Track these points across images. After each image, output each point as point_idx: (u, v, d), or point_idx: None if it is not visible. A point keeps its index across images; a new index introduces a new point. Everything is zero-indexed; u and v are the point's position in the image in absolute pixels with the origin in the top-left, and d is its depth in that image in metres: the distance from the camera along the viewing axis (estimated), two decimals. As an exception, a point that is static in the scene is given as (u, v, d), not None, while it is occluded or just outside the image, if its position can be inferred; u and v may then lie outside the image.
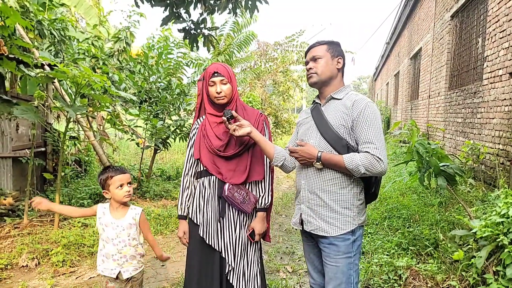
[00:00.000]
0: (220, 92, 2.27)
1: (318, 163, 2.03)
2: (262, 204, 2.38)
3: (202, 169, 2.39)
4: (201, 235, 2.32)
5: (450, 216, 4.38)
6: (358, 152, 1.99)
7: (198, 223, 2.35)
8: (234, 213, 2.34)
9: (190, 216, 2.40)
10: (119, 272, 2.37)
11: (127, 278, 2.41)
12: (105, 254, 2.38)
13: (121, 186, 2.36)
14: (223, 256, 2.31)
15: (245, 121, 2.19)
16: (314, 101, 2.29)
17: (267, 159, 2.38)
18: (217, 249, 2.30)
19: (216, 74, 2.27)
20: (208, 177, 2.36)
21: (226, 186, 2.27)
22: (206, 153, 2.34)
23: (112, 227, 2.36)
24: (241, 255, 2.35)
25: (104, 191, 2.40)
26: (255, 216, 2.40)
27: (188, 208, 2.43)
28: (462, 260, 3.11)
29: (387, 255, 3.86)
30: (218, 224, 2.32)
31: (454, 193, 3.85)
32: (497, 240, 2.73)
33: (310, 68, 2.15)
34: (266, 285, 2.60)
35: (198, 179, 2.41)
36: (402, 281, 3.28)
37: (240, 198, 2.27)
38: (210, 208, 2.33)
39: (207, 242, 2.31)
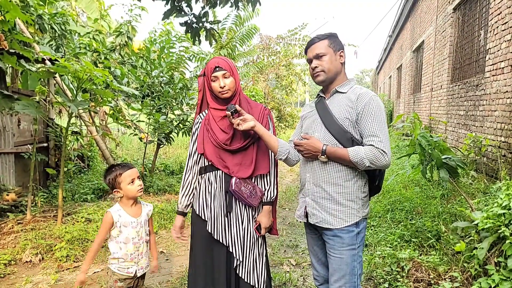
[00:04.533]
0: (224, 86, 2.24)
1: (323, 156, 2.03)
2: (268, 198, 2.38)
3: (206, 164, 2.36)
4: (209, 230, 2.30)
5: (452, 208, 4.39)
6: (363, 145, 2.00)
7: (206, 219, 2.32)
8: (241, 207, 2.33)
9: (197, 212, 2.36)
10: (135, 270, 2.36)
11: (140, 276, 2.40)
12: (123, 256, 2.32)
13: (132, 181, 2.32)
14: (231, 250, 2.29)
15: (248, 115, 2.18)
16: (318, 94, 2.28)
17: (272, 152, 2.38)
18: (225, 244, 2.29)
19: (217, 69, 2.24)
20: (213, 172, 2.33)
21: (233, 180, 2.24)
22: (211, 147, 2.31)
23: (132, 226, 2.33)
24: (249, 249, 2.34)
25: (115, 190, 2.34)
26: (261, 209, 2.40)
27: (193, 204, 2.41)
28: (464, 251, 3.12)
29: (389, 247, 3.88)
30: (225, 219, 2.30)
31: (456, 185, 3.86)
32: (499, 231, 2.73)
33: (316, 67, 2.12)
34: (271, 278, 2.60)
35: (203, 174, 2.38)
36: (405, 272, 3.30)
37: (247, 192, 2.25)
38: (217, 203, 2.31)
39: (215, 237, 2.29)
